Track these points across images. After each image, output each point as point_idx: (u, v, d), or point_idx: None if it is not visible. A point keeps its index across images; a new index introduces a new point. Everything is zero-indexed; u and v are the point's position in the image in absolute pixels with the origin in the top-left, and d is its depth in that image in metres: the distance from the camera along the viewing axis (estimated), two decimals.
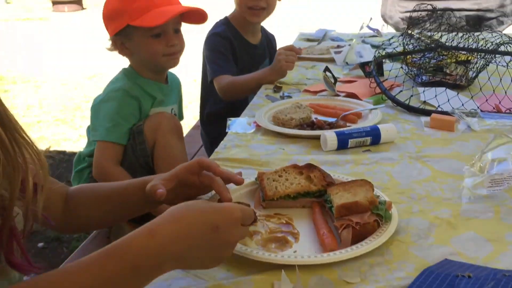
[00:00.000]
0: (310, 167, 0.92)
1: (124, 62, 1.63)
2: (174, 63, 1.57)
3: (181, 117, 1.79)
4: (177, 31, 1.53)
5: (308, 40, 2.45)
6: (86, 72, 5.64)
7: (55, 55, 6.64)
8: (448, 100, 1.34)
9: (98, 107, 1.51)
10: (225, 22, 1.94)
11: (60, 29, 8.61)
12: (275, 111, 1.36)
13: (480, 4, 2.99)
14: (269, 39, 2.10)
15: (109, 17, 1.50)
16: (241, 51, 1.90)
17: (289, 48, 1.73)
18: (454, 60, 1.63)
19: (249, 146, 1.19)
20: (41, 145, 2.82)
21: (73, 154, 3.38)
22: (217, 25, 1.94)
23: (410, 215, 0.84)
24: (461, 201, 0.88)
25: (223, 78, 1.79)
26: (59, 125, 4.00)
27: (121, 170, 1.45)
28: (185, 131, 3.01)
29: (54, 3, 10.74)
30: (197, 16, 1.54)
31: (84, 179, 1.56)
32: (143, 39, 1.47)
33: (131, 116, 1.49)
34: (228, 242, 0.64)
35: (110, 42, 1.54)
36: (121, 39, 1.50)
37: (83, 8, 10.80)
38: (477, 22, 3.01)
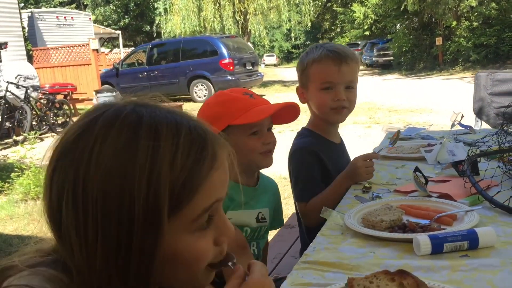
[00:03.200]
0: (402, 273, 0.89)
1: None
2: (269, 162, 1.58)
3: (279, 222, 1.79)
4: (270, 129, 1.58)
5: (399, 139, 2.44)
6: None
7: None
8: None
9: None
10: (308, 134, 1.92)
11: None
12: (365, 212, 1.35)
13: None
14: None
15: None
16: (330, 157, 1.87)
17: (367, 157, 1.71)
18: None
19: (339, 248, 1.18)
20: None
21: None
22: (301, 137, 1.92)
23: None
24: None
25: (306, 205, 1.76)
26: None
27: None
28: (276, 230, 3.03)
29: None
30: (289, 113, 1.59)
31: None
32: (241, 138, 1.51)
33: None
34: None
35: None
36: None
37: None
38: None
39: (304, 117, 1.94)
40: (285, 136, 7.22)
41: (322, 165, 1.82)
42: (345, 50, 1.85)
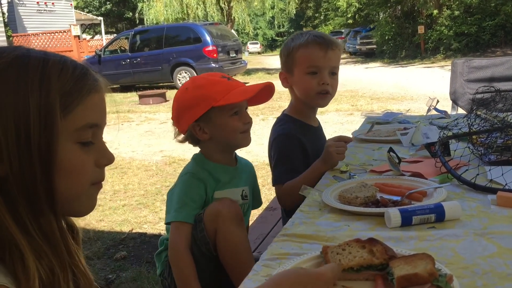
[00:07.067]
0: (372, 241, 0.96)
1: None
2: (248, 141, 1.65)
3: (258, 202, 1.82)
4: (246, 109, 1.64)
5: (376, 123, 2.53)
6: (166, 159, 6.04)
7: (138, 142, 7.18)
8: None
9: (171, 193, 1.61)
10: (288, 119, 1.96)
11: (144, 120, 9.33)
12: (341, 190, 1.42)
13: None
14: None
15: (186, 107, 1.58)
16: (310, 140, 1.93)
17: (338, 139, 1.75)
18: None
19: (316, 223, 1.25)
20: (125, 227, 2.98)
21: (153, 236, 3.58)
22: (281, 123, 1.96)
23: None
24: None
25: (281, 187, 1.80)
26: (142, 208, 4.25)
27: (190, 258, 1.48)
28: (258, 212, 3.11)
29: (140, 96, 11.76)
30: (265, 94, 1.65)
31: (161, 261, 1.65)
32: (224, 119, 1.57)
33: (198, 197, 1.56)
34: None
35: (181, 135, 1.63)
36: (200, 124, 1.57)
37: (166, 101, 11.70)
38: None
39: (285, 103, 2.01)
40: (268, 123, 7.31)
41: (302, 148, 1.88)
42: (330, 37, 1.93)
